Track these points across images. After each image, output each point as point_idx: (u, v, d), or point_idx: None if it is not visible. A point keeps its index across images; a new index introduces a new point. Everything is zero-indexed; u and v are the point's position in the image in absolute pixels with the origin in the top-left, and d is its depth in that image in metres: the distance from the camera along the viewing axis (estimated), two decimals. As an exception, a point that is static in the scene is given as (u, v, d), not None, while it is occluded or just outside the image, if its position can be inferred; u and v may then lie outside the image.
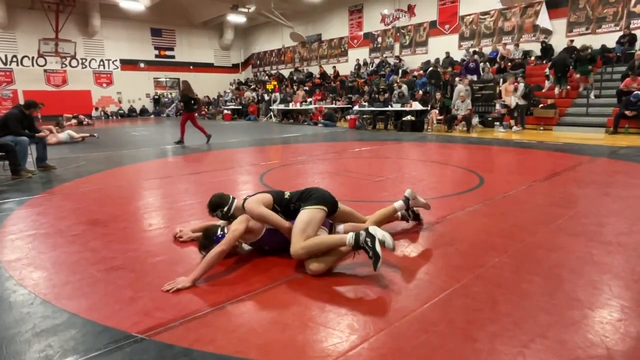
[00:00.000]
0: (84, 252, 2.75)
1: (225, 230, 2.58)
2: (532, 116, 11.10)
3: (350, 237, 2.25)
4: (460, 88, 10.76)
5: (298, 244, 2.34)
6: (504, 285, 2.17)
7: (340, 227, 2.76)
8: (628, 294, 2.07)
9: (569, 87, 11.18)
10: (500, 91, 11.35)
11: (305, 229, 2.40)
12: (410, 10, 17.13)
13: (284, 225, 2.51)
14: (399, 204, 3.02)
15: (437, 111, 11.81)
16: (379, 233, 2.24)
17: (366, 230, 2.25)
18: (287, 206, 2.64)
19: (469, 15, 15.31)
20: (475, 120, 11.47)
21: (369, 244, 2.17)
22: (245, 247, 2.75)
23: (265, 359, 1.60)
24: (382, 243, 2.20)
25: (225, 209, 2.74)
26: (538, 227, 3.09)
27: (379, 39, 18.68)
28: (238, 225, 2.47)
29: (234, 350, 1.65)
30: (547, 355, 1.57)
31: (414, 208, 3.17)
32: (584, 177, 4.92)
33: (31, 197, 4.43)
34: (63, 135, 10.08)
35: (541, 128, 10.73)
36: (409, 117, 11.47)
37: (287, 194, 2.70)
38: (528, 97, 11.06)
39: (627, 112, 9.13)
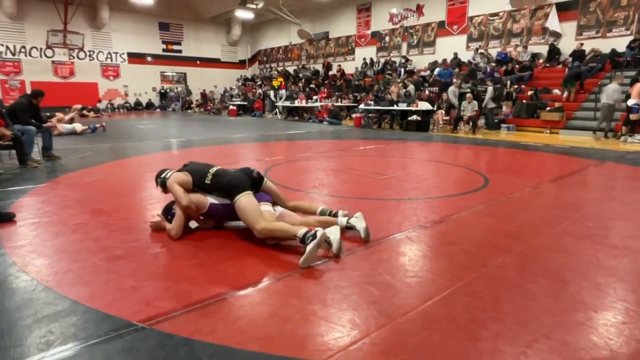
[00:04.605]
0: (87, 241, 2.76)
1: (174, 208, 2.89)
2: (539, 119, 11.03)
3: (300, 233, 2.49)
4: (616, 87, 9.49)
5: (259, 226, 2.59)
6: (508, 285, 2.15)
7: (278, 208, 2.99)
8: (633, 297, 2.04)
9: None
10: (600, 92, 9.96)
11: (254, 213, 2.65)
12: (419, 9, 17.04)
13: (182, 203, 2.77)
14: (340, 221, 2.84)
15: (443, 112, 11.76)
16: (333, 234, 2.52)
17: (315, 231, 2.45)
18: (207, 190, 2.87)
19: (478, 16, 15.20)
20: (481, 121, 11.41)
21: (308, 242, 2.39)
22: (192, 224, 3.03)
23: (265, 351, 1.59)
24: (330, 245, 2.51)
25: (162, 175, 3.07)
26: (543, 228, 3.06)
27: (387, 38, 18.60)
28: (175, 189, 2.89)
29: (234, 342, 1.64)
30: (550, 356, 1.56)
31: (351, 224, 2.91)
32: (590, 180, 4.88)
33: (36, 185, 4.44)
34: (66, 127, 9.99)
35: (547, 131, 10.64)
36: (414, 117, 11.42)
37: (208, 178, 2.85)
38: (497, 100, 11.47)
39: (630, 116, 9.03)
